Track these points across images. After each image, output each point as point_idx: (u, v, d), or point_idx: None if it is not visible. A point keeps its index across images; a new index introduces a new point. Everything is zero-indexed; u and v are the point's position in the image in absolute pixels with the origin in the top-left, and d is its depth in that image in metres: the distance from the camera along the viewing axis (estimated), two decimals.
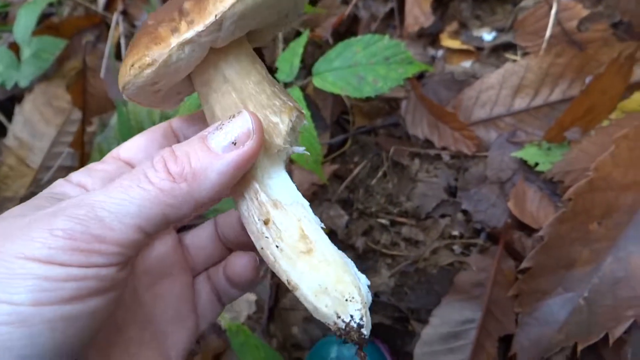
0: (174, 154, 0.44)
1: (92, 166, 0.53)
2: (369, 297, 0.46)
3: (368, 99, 1.10)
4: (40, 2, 1.55)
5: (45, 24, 1.60)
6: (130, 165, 0.54)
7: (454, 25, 1.26)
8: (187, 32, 0.43)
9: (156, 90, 0.50)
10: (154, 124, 1.25)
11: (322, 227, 0.48)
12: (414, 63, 1.07)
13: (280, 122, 0.48)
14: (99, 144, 1.26)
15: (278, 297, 1.19)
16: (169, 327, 0.56)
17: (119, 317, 0.51)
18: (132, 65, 0.45)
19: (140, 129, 1.25)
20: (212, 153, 0.43)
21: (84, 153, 1.31)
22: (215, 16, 0.42)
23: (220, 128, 0.45)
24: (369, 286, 0.47)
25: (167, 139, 0.56)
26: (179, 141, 0.56)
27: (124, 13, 1.63)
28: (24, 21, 1.52)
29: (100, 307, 0.41)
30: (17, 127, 1.41)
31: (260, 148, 0.45)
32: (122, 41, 1.54)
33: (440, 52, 1.27)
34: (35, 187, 1.28)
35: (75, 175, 0.51)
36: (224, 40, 0.46)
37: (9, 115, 1.49)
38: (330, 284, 0.44)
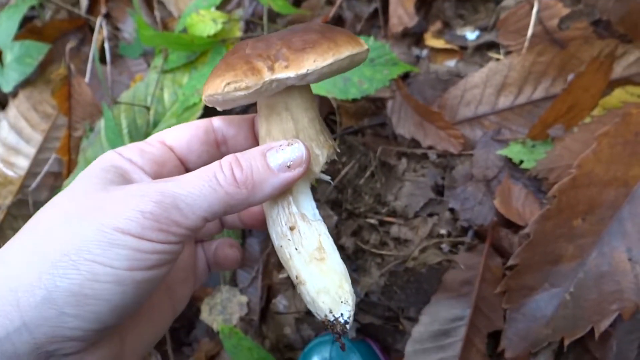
0: (239, 164, 0.53)
1: (141, 146, 0.61)
2: (354, 307, 0.57)
3: (354, 99, 1.10)
4: (22, 6, 1.54)
5: (27, 28, 1.58)
6: (175, 152, 0.64)
7: (437, 25, 1.27)
8: (281, 74, 0.54)
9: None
10: (138, 128, 1.25)
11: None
12: (399, 64, 1.08)
13: (320, 155, 0.60)
14: (84, 149, 1.25)
15: (269, 298, 1.19)
16: (177, 286, 0.68)
17: None
18: (228, 84, 0.55)
19: (127, 133, 1.25)
20: (270, 170, 0.54)
21: (70, 159, 1.30)
22: (307, 70, 0.53)
23: (280, 150, 0.55)
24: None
25: (208, 135, 0.65)
26: (217, 139, 0.66)
27: (107, 16, 1.62)
28: (6, 25, 1.51)
29: (166, 273, 0.51)
30: (2, 133, 1.39)
31: (305, 174, 0.56)
32: (106, 45, 1.53)
33: (424, 52, 1.28)
34: (23, 195, 1.27)
35: (126, 151, 0.59)
36: (304, 83, 0.58)
37: None
38: (333, 288, 0.56)
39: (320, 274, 0.56)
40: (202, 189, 0.51)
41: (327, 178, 0.63)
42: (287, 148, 0.55)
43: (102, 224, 0.47)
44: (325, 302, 0.55)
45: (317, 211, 0.60)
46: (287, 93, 0.59)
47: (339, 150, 0.62)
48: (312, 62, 0.53)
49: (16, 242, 0.49)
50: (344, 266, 0.58)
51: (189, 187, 0.51)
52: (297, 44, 0.54)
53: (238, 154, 0.54)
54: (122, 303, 0.47)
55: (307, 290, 0.56)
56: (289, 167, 0.54)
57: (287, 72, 0.53)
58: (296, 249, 0.57)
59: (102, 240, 0.46)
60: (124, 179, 0.56)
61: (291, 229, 0.58)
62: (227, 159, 0.54)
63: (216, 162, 0.54)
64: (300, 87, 0.60)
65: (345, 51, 0.54)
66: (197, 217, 0.51)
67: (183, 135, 0.64)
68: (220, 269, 0.78)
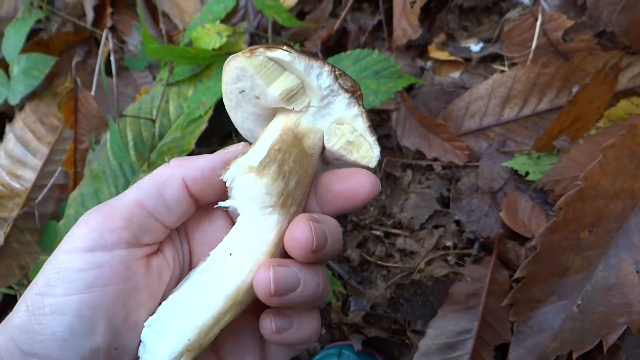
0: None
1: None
2: None
3: None
4: (29, 20, 1.55)
5: (34, 40, 1.60)
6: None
7: (441, 37, 1.28)
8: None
9: None
10: (144, 140, 1.26)
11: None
12: (404, 76, 1.09)
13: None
14: (90, 161, 1.26)
15: None
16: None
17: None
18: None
19: (133, 146, 1.26)
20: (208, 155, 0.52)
21: (76, 171, 1.31)
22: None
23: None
24: None
25: None
26: None
27: (113, 29, 1.63)
28: (13, 39, 1.52)
29: (115, 299, 0.45)
30: (9, 145, 1.40)
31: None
32: (112, 57, 1.54)
33: (429, 64, 1.28)
34: (29, 207, 1.27)
35: None
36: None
37: None
38: None
39: None
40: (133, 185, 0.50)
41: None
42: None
43: (55, 251, 0.45)
44: None
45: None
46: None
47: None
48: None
49: None
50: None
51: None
52: None
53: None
54: (72, 335, 0.43)
55: None
56: (225, 150, 0.52)
57: None
58: None
59: (48, 270, 0.44)
60: None
61: None
62: None
63: None
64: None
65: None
66: (127, 201, 0.48)
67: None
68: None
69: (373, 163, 0.53)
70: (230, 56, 0.49)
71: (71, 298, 0.43)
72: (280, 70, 0.50)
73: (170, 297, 0.48)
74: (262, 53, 0.48)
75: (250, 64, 0.48)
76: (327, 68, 0.50)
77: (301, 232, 0.46)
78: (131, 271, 0.46)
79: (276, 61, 0.49)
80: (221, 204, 0.51)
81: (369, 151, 0.53)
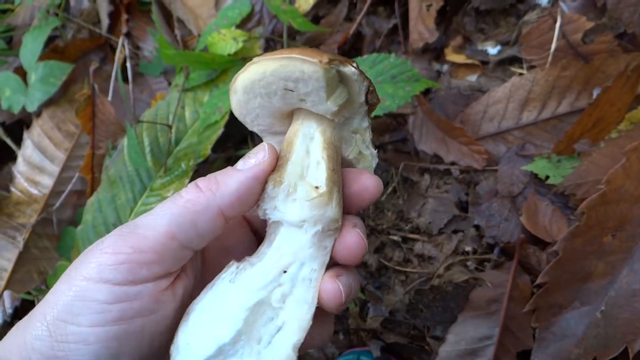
0: (205, 177, 0.50)
1: None
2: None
3: (375, 116, 1.10)
4: (46, 28, 1.57)
5: (50, 48, 1.61)
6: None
7: (458, 40, 1.27)
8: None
9: None
10: (160, 146, 1.26)
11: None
12: (421, 80, 1.08)
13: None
14: (107, 167, 1.26)
15: None
16: None
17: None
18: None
19: (149, 151, 1.26)
20: (235, 170, 0.50)
21: (93, 177, 1.31)
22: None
23: (246, 155, 0.51)
24: None
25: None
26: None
27: (128, 35, 1.64)
28: (30, 46, 1.54)
29: (146, 328, 0.45)
30: (27, 152, 1.41)
31: (272, 167, 0.51)
32: (128, 63, 1.55)
33: (445, 67, 1.27)
34: (47, 213, 1.28)
35: None
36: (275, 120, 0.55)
37: (16, 139, 1.50)
38: None
39: None
40: (162, 206, 0.47)
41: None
42: (252, 150, 0.52)
43: (71, 276, 0.44)
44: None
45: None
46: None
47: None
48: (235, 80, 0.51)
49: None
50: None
51: (151, 212, 0.48)
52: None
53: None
54: None
55: None
56: (253, 161, 0.50)
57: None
58: None
59: (70, 294, 0.43)
60: None
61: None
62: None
63: None
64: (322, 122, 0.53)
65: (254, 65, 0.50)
66: (159, 233, 0.45)
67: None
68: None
69: (371, 171, 0.55)
70: (302, 57, 0.47)
71: (97, 329, 0.42)
72: (337, 83, 0.50)
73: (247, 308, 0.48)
74: (337, 67, 0.48)
75: (324, 75, 0.47)
76: (366, 84, 0.51)
77: (354, 242, 0.49)
78: (159, 303, 0.46)
79: (341, 74, 0.49)
80: (272, 217, 0.50)
81: (370, 162, 0.56)
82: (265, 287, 0.48)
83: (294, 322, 0.47)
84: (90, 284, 0.43)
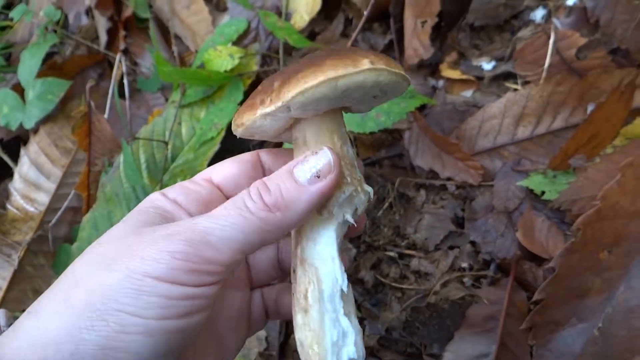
0: (266, 187, 0.50)
1: (187, 185, 0.59)
2: None
3: (371, 132, 1.10)
4: (44, 45, 1.58)
5: (48, 64, 1.62)
6: (221, 190, 0.60)
7: (453, 56, 1.28)
8: (267, 108, 0.52)
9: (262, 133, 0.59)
10: (156, 162, 1.26)
11: (343, 291, 0.54)
12: (416, 96, 1.09)
13: (354, 193, 0.55)
14: (103, 184, 1.26)
15: (288, 333, 1.18)
16: (228, 334, 0.62)
17: None
18: (235, 121, 0.57)
19: (145, 168, 1.26)
20: (299, 186, 0.50)
21: (89, 194, 1.31)
22: (282, 102, 0.50)
23: (306, 162, 0.51)
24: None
25: (256, 170, 0.62)
26: (265, 174, 0.62)
27: (126, 51, 1.65)
28: (28, 63, 1.54)
29: (201, 321, 0.48)
30: (23, 168, 1.41)
31: (339, 180, 0.52)
32: (125, 80, 1.55)
33: (440, 83, 1.28)
34: (43, 230, 1.27)
35: (171, 192, 0.57)
36: (301, 115, 0.54)
37: (13, 156, 1.50)
38: (306, 344, 0.53)
39: (300, 326, 0.53)
40: (233, 219, 0.48)
41: (351, 221, 0.56)
42: (312, 158, 0.51)
43: (130, 269, 0.44)
44: (302, 355, 0.54)
45: (327, 259, 0.54)
46: (306, 123, 0.56)
47: (368, 191, 0.56)
48: (287, 93, 0.49)
49: (50, 291, 0.47)
50: (323, 323, 0.52)
51: (219, 219, 0.48)
52: (287, 74, 0.51)
53: (265, 178, 0.51)
54: (154, 356, 0.45)
55: (296, 338, 0.55)
56: (318, 177, 0.50)
57: (270, 107, 0.51)
58: (293, 292, 0.56)
59: (130, 288, 0.44)
60: (166, 221, 0.52)
61: (294, 271, 0.56)
62: (255, 185, 0.51)
63: (244, 190, 0.51)
64: (318, 118, 0.56)
65: (322, 76, 0.48)
66: (232, 250, 0.47)
67: (230, 171, 0.61)
68: (282, 318, 0.69)
69: None
70: (398, 71, 0.53)
71: (164, 322, 0.44)
72: None
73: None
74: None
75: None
76: None
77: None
78: (215, 299, 0.49)
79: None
80: (337, 217, 0.55)
81: None
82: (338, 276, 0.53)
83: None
84: (158, 282, 0.44)
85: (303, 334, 0.53)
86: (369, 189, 0.57)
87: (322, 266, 0.53)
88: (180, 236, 0.46)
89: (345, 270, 0.56)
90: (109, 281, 0.44)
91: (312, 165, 0.51)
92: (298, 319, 0.54)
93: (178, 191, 0.57)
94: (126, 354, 0.43)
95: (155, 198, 0.56)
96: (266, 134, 0.59)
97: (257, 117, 0.53)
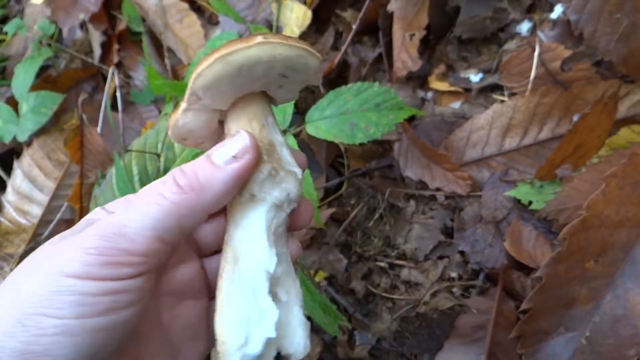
0: (182, 171, 0.50)
1: (131, 198, 0.56)
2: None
3: (361, 143, 1.12)
4: (38, 58, 1.59)
5: (42, 77, 1.63)
6: None
7: (441, 68, 1.30)
8: (183, 103, 0.54)
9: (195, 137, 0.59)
10: (149, 174, 1.27)
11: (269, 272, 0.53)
12: (405, 108, 1.10)
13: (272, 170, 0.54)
14: (96, 196, 1.27)
15: None
16: (184, 345, 0.60)
17: (141, 333, 0.54)
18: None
19: (138, 180, 1.27)
20: (216, 166, 0.50)
21: (82, 207, 1.32)
22: (190, 90, 0.51)
23: (222, 145, 0.52)
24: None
25: None
26: None
27: (119, 65, 1.67)
28: (22, 77, 1.56)
29: (131, 318, 0.46)
30: (16, 181, 1.42)
31: (256, 161, 0.52)
32: (118, 93, 1.57)
33: (429, 94, 1.29)
34: (35, 243, 1.28)
35: (110, 205, 0.55)
36: (215, 105, 0.54)
37: (7, 168, 1.51)
38: (216, 322, 0.51)
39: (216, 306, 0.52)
40: (147, 207, 0.47)
41: (285, 207, 0.56)
42: (228, 141, 0.52)
43: (47, 272, 0.43)
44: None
45: (253, 238, 0.53)
46: (229, 111, 0.56)
47: (297, 173, 0.56)
48: (191, 81, 0.50)
49: None
50: (232, 301, 0.51)
51: (132, 210, 0.48)
52: None
53: (182, 165, 0.51)
54: (80, 357, 0.43)
55: None
56: (235, 157, 0.50)
57: (184, 100, 0.53)
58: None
59: (47, 289, 0.42)
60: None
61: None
62: (171, 172, 0.51)
63: (159, 178, 0.51)
64: (240, 104, 0.56)
65: (216, 55, 0.48)
66: (146, 238, 0.46)
67: None
68: None
69: None
70: (309, 49, 0.52)
71: (85, 321, 0.43)
72: None
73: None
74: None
75: (319, 66, 0.56)
76: None
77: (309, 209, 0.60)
78: (144, 293, 0.47)
79: None
80: (259, 199, 0.54)
81: None
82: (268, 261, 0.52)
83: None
84: (74, 280, 0.43)
85: (216, 313, 0.52)
86: (296, 169, 0.55)
87: (242, 246, 0.53)
88: (95, 232, 0.46)
89: (296, 260, 0.58)
90: (28, 286, 0.44)
91: (229, 147, 0.51)
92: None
93: (118, 204, 0.54)
94: (46, 356, 0.41)
95: (95, 212, 0.55)
96: (196, 135, 0.58)
97: (178, 114, 0.54)
